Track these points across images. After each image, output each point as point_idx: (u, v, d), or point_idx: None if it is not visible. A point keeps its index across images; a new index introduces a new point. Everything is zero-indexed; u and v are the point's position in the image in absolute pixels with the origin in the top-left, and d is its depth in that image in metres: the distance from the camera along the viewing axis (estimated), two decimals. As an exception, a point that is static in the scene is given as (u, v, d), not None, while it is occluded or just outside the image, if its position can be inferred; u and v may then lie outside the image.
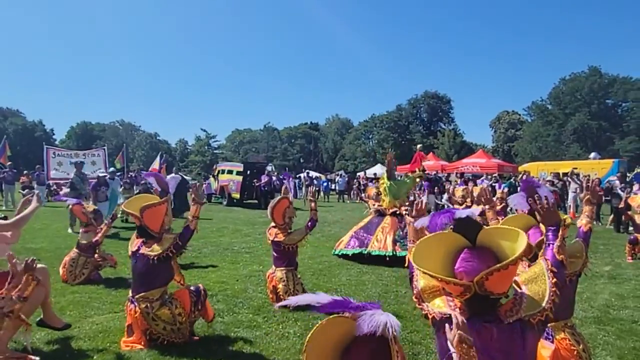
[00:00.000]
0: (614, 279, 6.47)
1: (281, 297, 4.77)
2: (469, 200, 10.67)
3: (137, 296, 3.69)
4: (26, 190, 13.95)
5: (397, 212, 7.72)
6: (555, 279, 1.75)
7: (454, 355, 1.41)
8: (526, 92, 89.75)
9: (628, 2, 72.77)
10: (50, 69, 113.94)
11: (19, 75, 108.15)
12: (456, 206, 10.31)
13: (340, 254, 7.67)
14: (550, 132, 46.41)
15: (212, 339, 3.95)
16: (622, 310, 5.00)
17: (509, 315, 1.67)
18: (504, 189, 14.00)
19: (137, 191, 11.67)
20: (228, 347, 3.78)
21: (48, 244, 8.31)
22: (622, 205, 9.85)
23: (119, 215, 10.80)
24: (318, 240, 9.47)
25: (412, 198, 8.72)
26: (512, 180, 17.05)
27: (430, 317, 1.78)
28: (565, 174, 16.33)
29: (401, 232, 7.35)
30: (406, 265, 2.03)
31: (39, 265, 3.22)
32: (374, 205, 8.54)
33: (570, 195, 14.98)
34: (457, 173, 21.54)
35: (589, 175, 13.58)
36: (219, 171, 21.02)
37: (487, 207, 3.59)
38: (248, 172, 19.43)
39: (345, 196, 25.30)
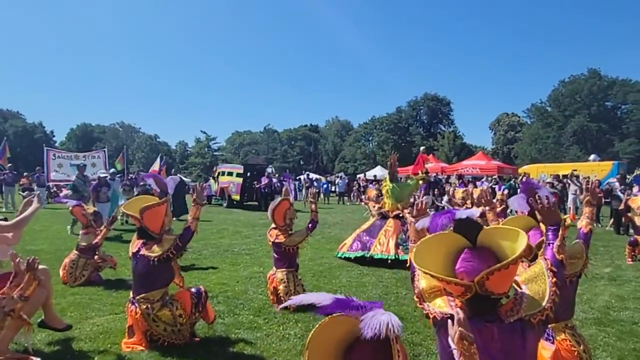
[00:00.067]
0: (614, 281, 6.47)
1: (282, 298, 4.77)
2: (469, 202, 10.68)
3: (137, 297, 3.70)
4: (26, 192, 13.97)
5: (400, 215, 7.71)
6: (555, 279, 1.76)
7: (454, 351, 1.42)
8: (526, 94, 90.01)
9: (627, 4, 72.99)
10: (50, 70, 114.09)
11: (19, 77, 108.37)
12: (456, 208, 10.32)
13: (342, 256, 7.67)
14: (549, 134, 46.45)
15: (212, 340, 3.95)
16: (622, 312, 5.01)
17: (510, 315, 1.67)
18: (503, 190, 14.03)
19: (137, 193, 11.68)
20: (229, 348, 3.79)
21: (48, 246, 8.31)
22: (622, 207, 9.85)
23: (119, 217, 10.81)
24: (318, 242, 9.48)
25: (412, 200, 8.72)
26: (512, 182, 17.06)
27: (431, 316, 1.79)
28: (565, 176, 16.31)
29: (404, 236, 7.33)
30: (408, 266, 2.04)
31: (40, 266, 3.23)
32: (374, 207, 8.54)
33: (570, 197, 14.98)
34: (456, 175, 21.56)
35: (588, 177, 13.57)
36: (219, 173, 21.03)
37: (487, 208, 3.60)
38: (248, 174, 19.44)
39: (345, 198, 25.32)
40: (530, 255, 2.70)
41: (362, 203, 13.20)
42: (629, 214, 8.62)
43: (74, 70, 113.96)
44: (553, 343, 2.77)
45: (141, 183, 12.75)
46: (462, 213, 1.86)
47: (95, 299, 5.09)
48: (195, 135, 69.58)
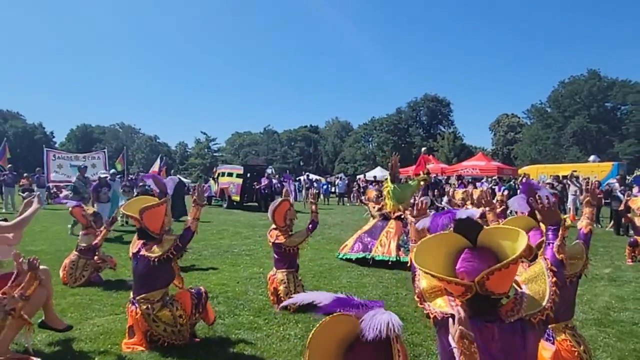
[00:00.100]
0: (614, 282, 6.47)
1: (282, 299, 4.76)
2: (468, 203, 10.65)
3: (138, 297, 3.70)
4: (26, 193, 13.98)
5: (402, 216, 7.70)
6: (555, 278, 1.76)
7: (455, 350, 1.42)
8: (525, 95, 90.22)
9: (626, 4, 73.08)
10: (50, 71, 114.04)
11: (19, 78, 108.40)
12: (456, 208, 10.30)
13: (344, 257, 7.66)
14: (549, 135, 46.48)
15: (213, 340, 3.95)
16: (622, 313, 5.01)
17: (510, 315, 1.68)
18: (503, 191, 14.04)
19: (136, 193, 11.69)
20: (229, 348, 3.79)
21: (48, 247, 8.31)
22: (622, 207, 9.86)
23: (118, 218, 10.81)
24: (318, 242, 9.48)
25: (411, 200, 8.69)
26: (511, 182, 17.08)
27: (431, 316, 1.79)
28: (564, 177, 16.34)
29: (405, 237, 7.31)
30: (409, 266, 2.04)
31: (40, 267, 3.24)
32: (373, 207, 8.54)
33: (570, 197, 15.00)
34: (456, 176, 21.57)
35: (588, 178, 13.58)
36: (219, 174, 21.03)
37: (487, 209, 3.61)
38: (248, 174, 19.44)
39: (345, 199, 25.32)
40: (531, 255, 2.70)
41: (362, 204, 13.21)
42: (629, 215, 8.64)
43: (74, 70, 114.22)
44: (553, 343, 2.77)
45: (140, 184, 12.76)
46: (462, 213, 1.86)
47: (96, 300, 5.09)
48: (195, 136, 69.84)
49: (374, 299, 5.55)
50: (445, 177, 22.97)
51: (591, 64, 67.75)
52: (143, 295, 3.69)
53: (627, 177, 15.49)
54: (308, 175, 28.23)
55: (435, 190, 16.13)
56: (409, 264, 2.03)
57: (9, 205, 15.51)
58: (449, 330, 1.51)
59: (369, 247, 7.49)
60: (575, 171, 15.86)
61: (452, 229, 1.86)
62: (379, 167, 36.21)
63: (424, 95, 56.73)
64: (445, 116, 57.16)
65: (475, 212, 1.98)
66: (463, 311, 1.48)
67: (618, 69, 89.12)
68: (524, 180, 9.34)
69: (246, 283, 5.98)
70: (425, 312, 1.84)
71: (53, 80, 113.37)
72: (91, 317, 4.48)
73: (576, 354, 2.72)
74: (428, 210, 2.33)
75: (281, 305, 4.08)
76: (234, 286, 5.79)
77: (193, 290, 3.95)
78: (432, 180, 18.30)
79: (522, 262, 2.64)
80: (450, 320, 1.50)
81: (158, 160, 16.89)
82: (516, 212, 3.32)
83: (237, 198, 18.98)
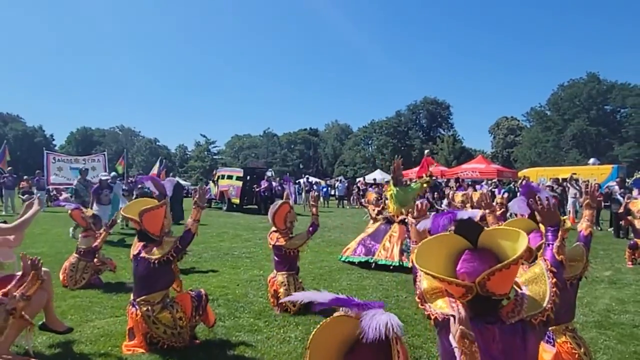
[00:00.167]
0: (614, 284, 6.47)
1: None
2: (468, 205, 10.65)
3: (138, 299, 3.70)
4: (26, 196, 13.99)
5: (405, 220, 7.67)
6: (555, 279, 1.76)
7: (455, 350, 1.42)
8: (525, 98, 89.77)
9: (626, 7, 73.31)
10: (50, 73, 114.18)
11: (19, 81, 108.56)
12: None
13: (346, 260, 7.64)
14: (549, 138, 46.57)
15: (213, 343, 3.95)
16: (622, 315, 5.01)
17: (511, 316, 1.68)
18: (503, 194, 14.05)
19: (135, 195, 11.68)
20: (229, 351, 3.78)
21: (48, 249, 8.31)
22: (621, 210, 9.86)
23: (118, 221, 10.81)
24: (318, 245, 9.47)
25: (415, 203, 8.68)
26: (511, 185, 17.09)
27: (432, 317, 1.79)
28: (564, 180, 16.36)
29: (408, 242, 7.29)
30: (410, 268, 2.05)
31: (42, 268, 3.24)
32: (373, 210, 8.54)
33: (570, 200, 15.02)
34: (456, 179, 21.59)
35: (588, 181, 13.61)
36: (218, 176, 21.03)
37: (487, 211, 3.62)
38: (248, 177, 19.45)
39: (345, 201, 25.33)
40: (531, 258, 2.71)
41: (362, 206, 13.21)
42: (629, 217, 8.63)
43: (74, 73, 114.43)
44: (554, 346, 2.77)
45: (139, 186, 12.76)
46: (463, 214, 1.87)
47: (96, 302, 5.08)
48: (195, 138, 69.88)
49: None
50: (445, 180, 22.99)
51: (590, 67, 67.92)
52: (143, 297, 3.68)
53: (627, 180, 15.53)
54: (308, 178, 28.29)
55: (435, 193, 16.15)
56: (410, 266, 2.03)
57: (8, 207, 15.51)
58: (449, 331, 1.51)
59: (372, 250, 7.45)
60: (575, 174, 15.89)
61: (453, 230, 1.86)
62: (378, 170, 36.24)
63: (424, 98, 56.92)
64: (445, 119, 57.29)
65: (476, 213, 1.98)
66: (463, 311, 1.49)
67: (617, 72, 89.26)
68: (523, 182, 9.35)
69: (246, 285, 5.97)
70: (425, 313, 1.84)
71: (53, 83, 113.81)
72: (91, 320, 4.47)
73: (577, 356, 2.72)
74: (428, 213, 2.34)
75: (280, 300, 4.07)
76: (234, 288, 5.79)
77: (193, 293, 3.95)
78: (433, 183, 18.33)
79: (522, 264, 2.65)
80: (451, 320, 1.51)
81: (158, 163, 16.95)
82: (516, 215, 3.33)
83: (237, 201, 18.99)
